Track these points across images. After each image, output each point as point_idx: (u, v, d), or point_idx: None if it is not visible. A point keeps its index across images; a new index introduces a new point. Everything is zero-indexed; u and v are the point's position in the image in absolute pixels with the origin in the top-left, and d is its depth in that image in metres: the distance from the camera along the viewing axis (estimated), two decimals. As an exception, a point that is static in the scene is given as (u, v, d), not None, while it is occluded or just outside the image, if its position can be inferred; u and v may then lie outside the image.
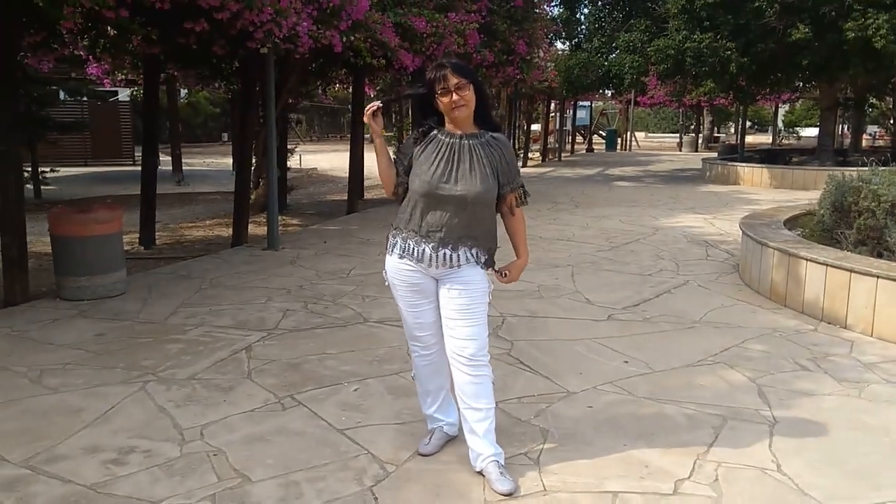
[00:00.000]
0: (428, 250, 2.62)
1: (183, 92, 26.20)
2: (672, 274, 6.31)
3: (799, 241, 5.42)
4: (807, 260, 4.91)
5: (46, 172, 11.72)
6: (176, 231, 9.50)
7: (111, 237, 5.24)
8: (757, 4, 12.20)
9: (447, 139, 2.63)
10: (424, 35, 8.34)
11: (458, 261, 2.63)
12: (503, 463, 2.67)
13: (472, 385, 2.64)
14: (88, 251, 5.09)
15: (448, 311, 2.66)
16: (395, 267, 2.71)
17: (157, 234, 8.90)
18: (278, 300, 5.28)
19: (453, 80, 2.54)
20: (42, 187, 11.83)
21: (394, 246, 2.70)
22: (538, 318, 4.89)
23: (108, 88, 19.97)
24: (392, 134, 17.58)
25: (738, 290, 5.68)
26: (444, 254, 2.62)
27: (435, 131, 2.67)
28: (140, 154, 20.11)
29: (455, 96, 2.55)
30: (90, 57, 8.46)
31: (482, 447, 2.66)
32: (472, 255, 2.66)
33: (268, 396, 3.45)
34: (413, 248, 2.64)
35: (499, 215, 2.76)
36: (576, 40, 16.35)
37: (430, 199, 2.60)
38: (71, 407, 3.28)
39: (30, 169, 11.50)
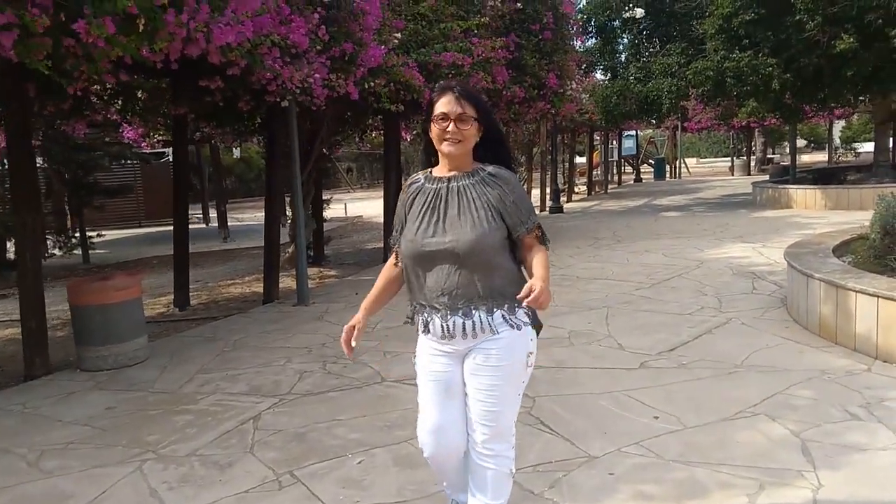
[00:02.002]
0: (438, 321, 2.23)
1: (236, 150, 27.08)
2: (714, 312, 5.91)
3: (847, 271, 4.98)
4: (856, 291, 4.49)
5: (93, 237, 12.06)
6: (214, 290, 9.57)
7: (130, 303, 5.23)
8: (798, 18, 11.74)
9: (433, 185, 2.28)
10: (449, 74, 8.20)
11: (476, 329, 2.21)
12: None
13: (477, 472, 2.32)
14: (107, 320, 5.08)
15: (469, 386, 2.29)
16: (422, 349, 2.36)
17: (195, 293, 8.99)
18: (297, 361, 5.14)
19: (455, 108, 2.18)
20: (90, 251, 12.18)
21: (415, 321, 2.36)
22: (565, 368, 4.60)
23: (156, 150, 20.86)
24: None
25: (785, 327, 5.25)
26: (455, 322, 2.21)
27: (422, 179, 2.33)
28: (198, 213, 20.81)
29: (450, 126, 2.18)
30: (123, 121, 8.71)
31: None
32: (497, 318, 2.21)
33: (266, 474, 3.26)
34: (427, 322, 2.28)
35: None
36: (612, 71, 16.10)
37: (421, 260, 2.23)
38: (62, 493, 3.17)
39: (78, 234, 11.89)
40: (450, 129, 2.18)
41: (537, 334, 2.33)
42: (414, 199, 2.32)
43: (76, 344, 5.22)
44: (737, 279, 7.23)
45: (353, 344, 2.37)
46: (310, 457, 3.43)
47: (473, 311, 2.21)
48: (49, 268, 11.44)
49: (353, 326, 2.38)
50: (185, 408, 4.24)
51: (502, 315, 2.22)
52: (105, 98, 7.50)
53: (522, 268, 2.33)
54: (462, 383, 2.32)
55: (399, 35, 7.64)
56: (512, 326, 2.23)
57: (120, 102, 7.59)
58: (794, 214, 13.15)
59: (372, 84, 6.80)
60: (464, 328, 2.21)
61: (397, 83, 7.27)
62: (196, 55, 4.56)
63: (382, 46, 6.82)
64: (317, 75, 5.71)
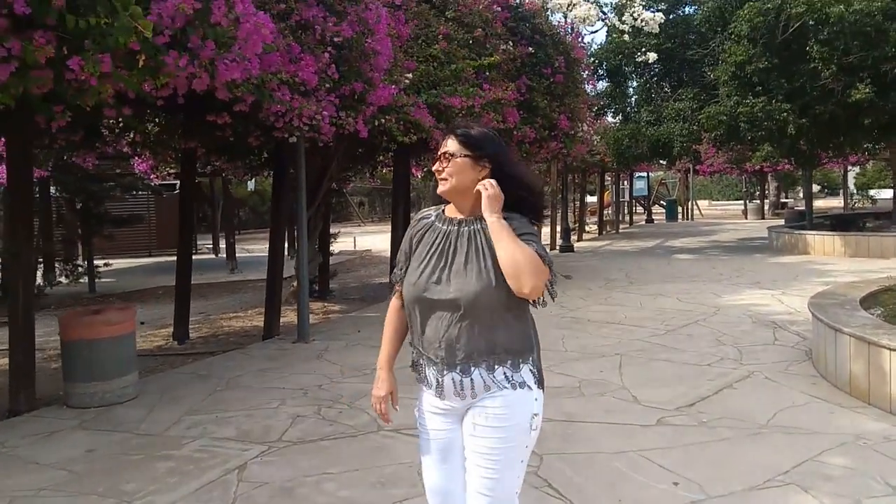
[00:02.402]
0: (434, 374, 2.03)
1: (251, 184, 27.18)
2: (734, 363, 5.60)
3: (879, 326, 4.69)
4: (890, 349, 4.19)
5: (100, 267, 11.92)
6: (215, 322, 9.35)
7: (121, 339, 5.00)
8: (812, 66, 11.62)
9: (444, 226, 2.09)
10: (460, 115, 8.13)
11: (474, 388, 1.99)
12: None
13: None
14: (97, 355, 4.85)
15: (467, 449, 2.06)
16: (424, 404, 2.14)
17: (196, 326, 8.79)
18: (292, 403, 4.87)
19: (441, 148, 2.07)
20: (97, 280, 12.02)
21: (415, 368, 2.15)
22: (575, 423, 4.30)
23: (169, 182, 20.87)
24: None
25: (812, 384, 4.94)
26: (453, 380, 2.00)
27: (433, 217, 2.15)
28: (209, 243, 20.71)
29: (436, 166, 2.07)
30: (134, 154, 8.62)
31: None
32: (499, 375, 1.99)
33: (246, 534, 2.99)
34: (425, 373, 2.08)
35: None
36: (621, 115, 16.01)
37: (422, 307, 2.03)
38: (22, 550, 2.90)
39: (85, 263, 11.76)
40: (435, 167, 2.07)
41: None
42: (423, 236, 2.12)
43: (64, 379, 4.97)
44: (757, 328, 6.91)
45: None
46: (296, 516, 3.15)
47: (472, 368, 1.99)
48: (55, 295, 11.29)
49: (387, 394, 2.19)
50: (169, 453, 3.97)
51: (504, 373, 2.00)
52: (117, 131, 7.44)
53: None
54: (462, 445, 2.09)
55: (410, 75, 7.54)
56: (514, 386, 2.00)
57: (131, 135, 7.50)
58: (812, 261, 12.83)
59: (382, 121, 6.66)
60: (461, 386, 2.00)
61: (406, 122, 7.16)
62: (202, 90, 4.44)
63: (393, 86, 6.70)
64: (325, 112, 5.56)
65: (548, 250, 2.04)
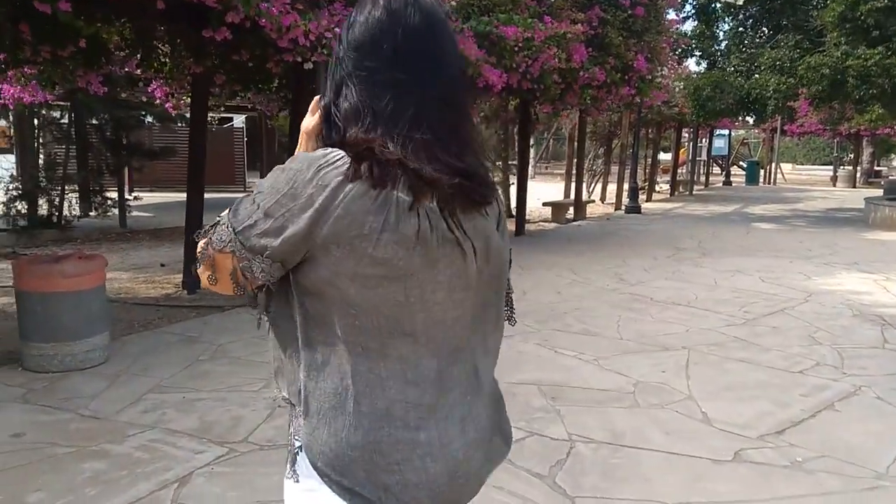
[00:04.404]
0: None
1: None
2: (834, 372, 4.44)
3: None
4: None
5: (130, 200, 11.41)
6: (238, 270, 8.63)
7: (85, 294, 4.22)
8: (946, 8, 9.78)
9: None
10: (516, 48, 6.96)
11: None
12: None
13: None
14: (54, 312, 4.11)
15: None
16: None
17: (217, 272, 8.11)
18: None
19: None
20: (129, 215, 11.53)
21: None
22: (624, 448, 3.29)
23: (223, 115, 20.26)
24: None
25: (946, 415, 3.76)
26: None
27: None
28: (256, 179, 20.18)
29: None
30: (145, 78, 7.86)
31: None
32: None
33: None
34: None
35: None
36: (709, 59, 14.22)
37: None
38: None
39: (116, 195, 11.26)
40: None
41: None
42: None
43: (20, 337, 4.26)
44: (859, 324, 5.66)
45: None
46: (224, 571, 2.29)
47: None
48: (83, 228, 10.86)
49: None
50: (107, 448, 3.18)
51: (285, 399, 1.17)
52: (124, 51, 6.62)
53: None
54: None
55: None
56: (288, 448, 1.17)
57: (138, 57, 6.68)
58: (918, 241, 11.18)
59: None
60: None
61: None
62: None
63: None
64: (338, 30, 4.53)
65: (253, 214, 1.06)
